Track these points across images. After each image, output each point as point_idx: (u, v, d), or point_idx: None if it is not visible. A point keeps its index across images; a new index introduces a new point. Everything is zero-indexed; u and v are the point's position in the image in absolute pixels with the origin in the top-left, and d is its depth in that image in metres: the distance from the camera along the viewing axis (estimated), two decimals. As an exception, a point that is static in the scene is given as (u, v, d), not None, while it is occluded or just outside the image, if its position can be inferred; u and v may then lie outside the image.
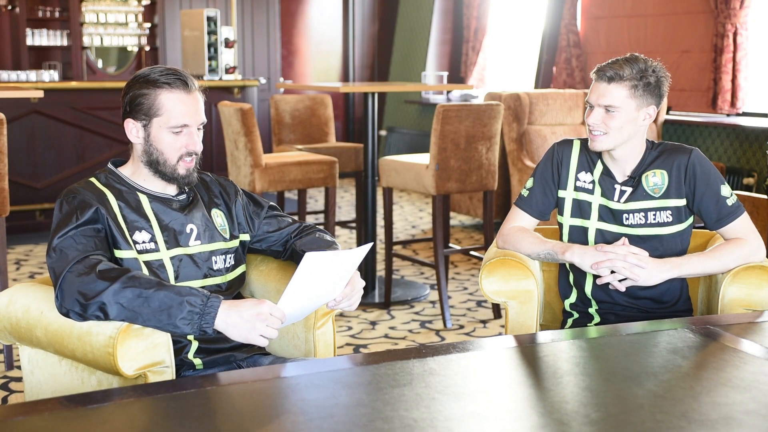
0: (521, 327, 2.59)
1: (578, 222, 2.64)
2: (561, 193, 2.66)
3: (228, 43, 7.23)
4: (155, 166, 2.21)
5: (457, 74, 9.04)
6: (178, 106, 2.18)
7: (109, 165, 2.28)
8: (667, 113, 6.51)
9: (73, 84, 6.84)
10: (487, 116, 4.52)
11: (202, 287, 2.19)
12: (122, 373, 1.96)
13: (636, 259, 2.47)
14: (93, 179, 2.22)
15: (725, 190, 2.55)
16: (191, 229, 2.24)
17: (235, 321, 1.99)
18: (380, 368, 1.79)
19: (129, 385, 1.93)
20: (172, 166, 2.21)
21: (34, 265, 5.72)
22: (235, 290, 2.32)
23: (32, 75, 6.81)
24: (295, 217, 2.56)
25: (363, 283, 2.23)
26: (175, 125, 2.18)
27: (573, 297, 2.70)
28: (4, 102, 5.58)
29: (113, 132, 6.71)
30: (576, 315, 2.70)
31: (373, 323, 4.55)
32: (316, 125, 6.18)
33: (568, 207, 2.66)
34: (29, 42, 8.25)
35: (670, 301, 2.61)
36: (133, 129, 2.21)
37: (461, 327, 4.50)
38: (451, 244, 5.24)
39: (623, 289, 2.52)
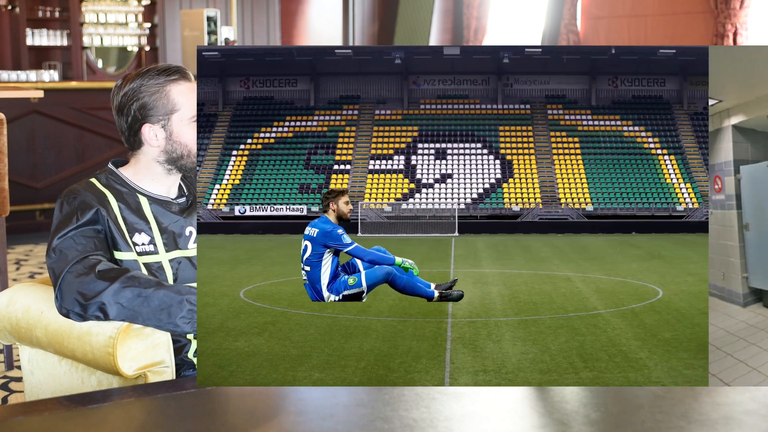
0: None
1: None
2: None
3: (228, 43, 7.23)
4: (177, 162, 2.22)
5: (457, 74, 9.02)
6: (190, 97, 2.21)
7: (110, 165, 2.28)
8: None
9: (73, 84, 6.84)
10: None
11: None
12: (122, 373, 1.96)
13: None
14: (93, 180, 2.22)
15: None
16: (190, 232, 2.25)
17: (235, 321, 1.99)
18: (380, 368, 1.79)
19: (129, 385, 1.93)
20: (195, 155, 2.24)
21: (34, 265, 5.72)
22: (235, 291, 2.32)
23: (32, 75, 6.81)
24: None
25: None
26: (194, 115, 2.21)
27: None
28: (4, 102, 5.58)
29: (113, 132, 6.67)
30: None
31: (373, 323, 4.54)
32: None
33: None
34: (29, 42, 8.25)
35: None
36: (151, 133, 2.21)
37: (461, 327, 4.50)
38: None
39: None
